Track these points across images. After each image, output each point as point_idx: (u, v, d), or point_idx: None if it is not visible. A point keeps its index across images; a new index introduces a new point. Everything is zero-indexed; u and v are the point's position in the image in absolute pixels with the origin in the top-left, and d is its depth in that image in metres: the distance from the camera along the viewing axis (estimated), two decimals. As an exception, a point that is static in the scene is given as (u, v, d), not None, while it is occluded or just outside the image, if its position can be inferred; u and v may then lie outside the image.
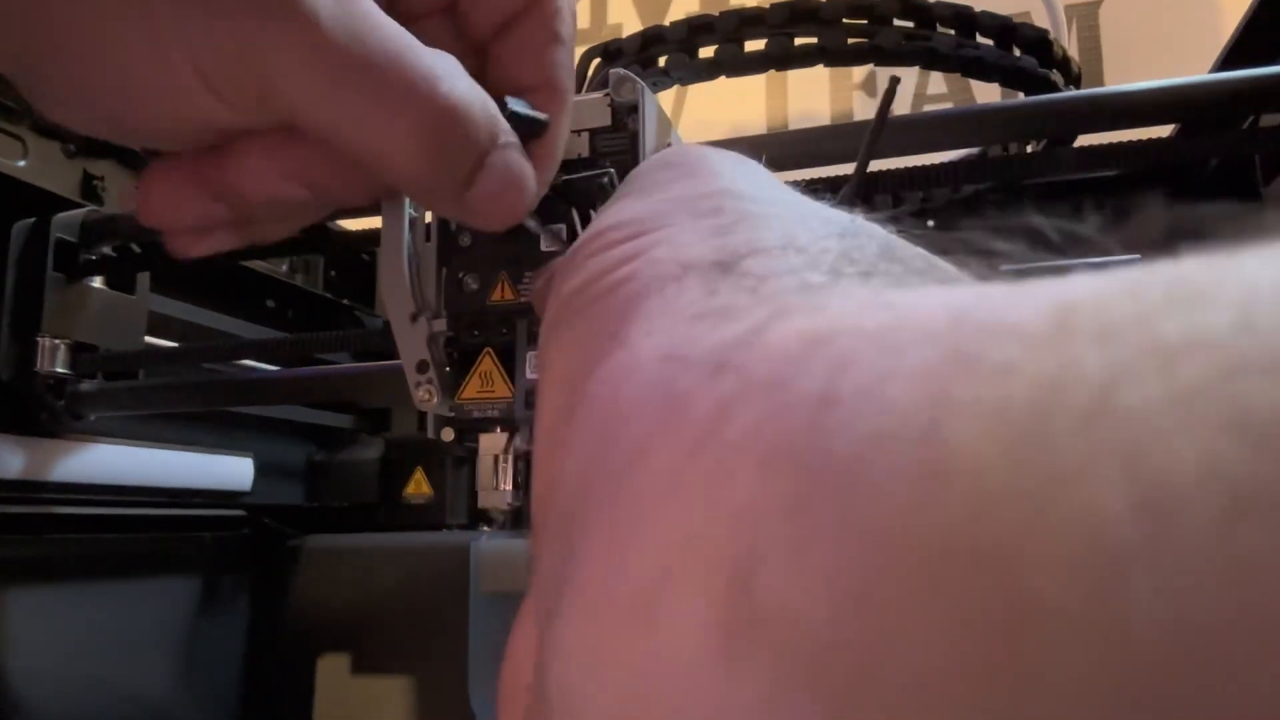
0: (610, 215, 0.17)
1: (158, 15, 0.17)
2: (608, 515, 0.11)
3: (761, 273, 0.13)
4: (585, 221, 0.31)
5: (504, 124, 0.22)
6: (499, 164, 0.21)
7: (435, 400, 0.34)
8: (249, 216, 0.22)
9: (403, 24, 0.21)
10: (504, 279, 0.33)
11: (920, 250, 0.15)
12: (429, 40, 0.22)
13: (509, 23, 0.24)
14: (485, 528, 0.66)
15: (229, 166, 0.21)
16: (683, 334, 0.12)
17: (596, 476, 0.11)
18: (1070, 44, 0.85)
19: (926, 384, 0.08)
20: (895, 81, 0.31)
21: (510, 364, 0.32)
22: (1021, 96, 0.43)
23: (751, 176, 0.17)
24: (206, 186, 0.21)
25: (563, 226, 0.32)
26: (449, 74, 0.20)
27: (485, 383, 0.33)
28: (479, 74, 0.23)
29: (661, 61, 0.43)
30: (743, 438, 0.09)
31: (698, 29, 0.41)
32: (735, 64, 0.41)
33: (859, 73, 0.94)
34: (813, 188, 0.36)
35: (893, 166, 0.37)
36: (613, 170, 0.32)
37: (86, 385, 0.49)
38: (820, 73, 0.89)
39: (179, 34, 0.18)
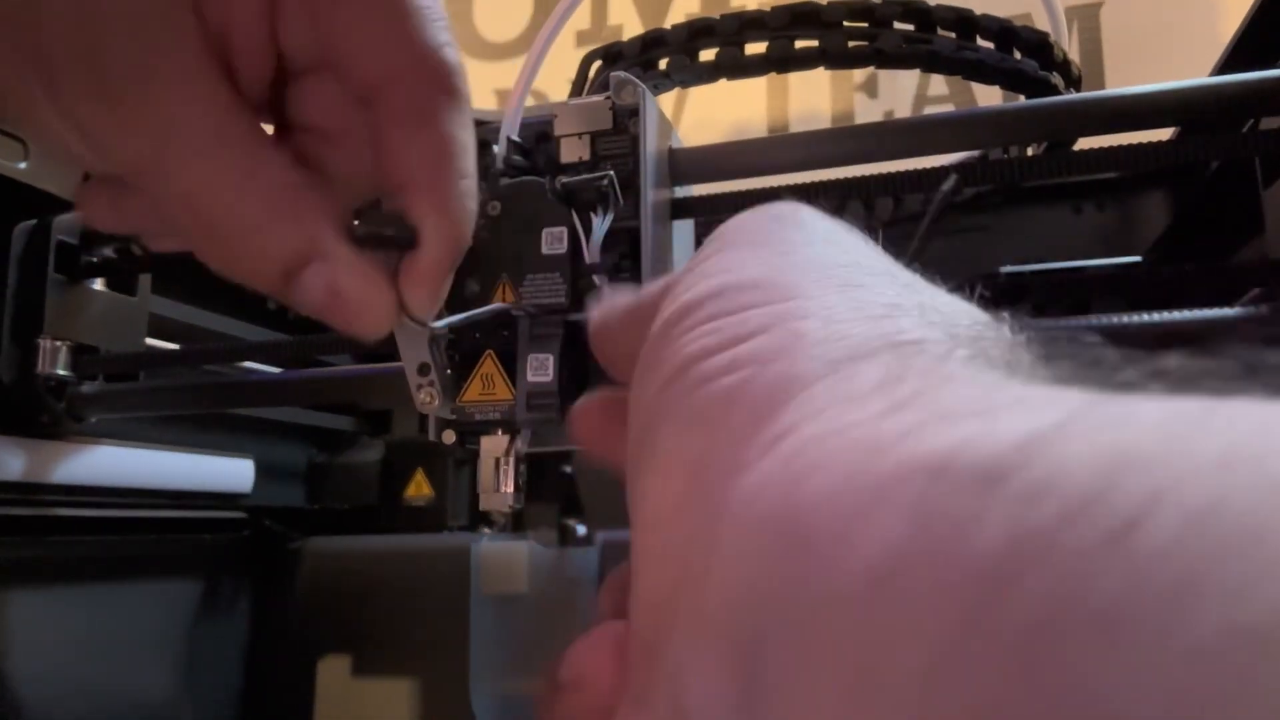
0: (725, 271, 0.14)
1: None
2: (835, 657, 0.08)
3: (950, 360, 0.11)
4: (586, 225, 0.31)
5: (326, 242, 0.21)
6: (314, 279, 0.20)
7: (437, 402, 0.34)
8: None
9: (286, 79, 0.22)
10: (505, 282, 0.33)
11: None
12: (313, 101, 0.22)
13: (384, 93, 0.22)
14: (486, 530, 0.66)
15: (122, 200, 0.23)
16: (881, 432, 0.10)
17: (798, 598, 0.09)
18: (1071, 46, 0.85)
19: None
20: (955, 182, 0.31)
21: (511, 366, 0.33)
22: (1022, 99, 0.43)
23: (865, 246, 0.16)
24: (112, 206, 0.23)
25: (563, 230, 0.32)
26: (241, 186, 0.20)
27: (486, 385, 0.33)
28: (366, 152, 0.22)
29: (662, 64, 0.43)
30: (1071, 594, 0.07)
31: (698, 32, 0.41)
32: (736, 67, 0.41)
33: (860, 74, 0.94)
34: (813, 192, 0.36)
35: (893, 169, 0.37)
36: (612, 173, 0.32)
37: (87, 387, 0.49)
38: (821, 75, 0.89)
39: (54, 112, 0.19)
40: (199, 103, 0.19)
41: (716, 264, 0.15)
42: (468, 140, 0.22)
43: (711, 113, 0.95)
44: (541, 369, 0.32)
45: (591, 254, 0.31)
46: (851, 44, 0.39)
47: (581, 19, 1.04)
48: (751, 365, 0.12)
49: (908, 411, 0.10)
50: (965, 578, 0.08)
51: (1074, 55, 0.47)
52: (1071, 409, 0.09)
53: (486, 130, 0.33)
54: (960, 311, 0.13)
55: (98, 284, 0.51)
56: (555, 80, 0.80)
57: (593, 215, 0.31)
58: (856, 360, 0.11)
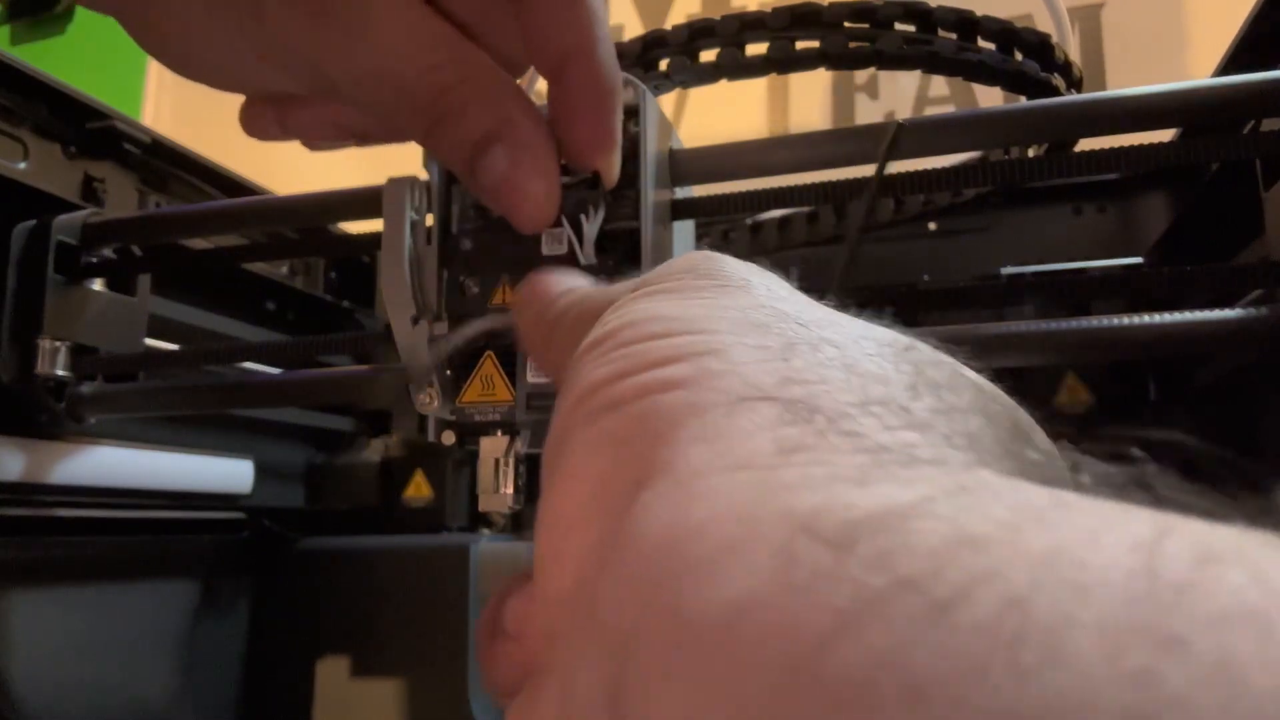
0: (641, 309, 0.15)
1: (240, 30, 0.24)
2: (684, 688, 0.09)
3: (847, 419, 0.11)
4: (577, 228, 0.31)
5: (516, 121, 0.24)
6: (498, 157, 0.24)
7: (436, 403, 0.34)
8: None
9: None
10: (505, 283, 0.33)
11: (1000, 401, 0.13)
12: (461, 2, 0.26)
13: None
14: (485, 530, 0.66)
15: (290, 114, 0.28)
16: (766, 476, 0.10)
17: (663, 623, 0.10)
18: (1073, 47, 0.85)
19: (1125, 656, 0.07)
20: (881, 172, 0.32)
21: (511, 367, 0.32)
22: (1023, 100, 0.43)
23: (792, 297, 0.16)
24: (278, 122, 0.28)
25: (564, 230, 0.32)
26: (458, 76, 0.24)
27: (486, 386, 0.33)
28: (512, 37, 0.26)
29: (663, 65, 0.43)
30: (892, 655, 0.08)
31: (699, 32, 0.41)
32: (736, 67, 0.41)
33: (861, 76, 0.94)
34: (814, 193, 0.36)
35: (894, 170, 0.37)
36: (596, 173, 0.31)
37: (87, 387, 0.49)
38: (822, 76, 0.89)
39: (256, 39, 0.24)
40: (400, 9, 0.23)
41: (631, 309, 0.16)
42: (603, 8, 0.26)
43: (712, 114, 0.95)
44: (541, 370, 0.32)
45: (586, 257, 0.31)
46: (852, 45, 0.39)
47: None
48: (656, 392, 0.13)
49: (791, 465, 0.10)
50: (801, 631, 0.08)
51: (1075, 56, 0.47)
52: (937, 489, 0.09)
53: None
54: (877, 371, 0.13)
55: (97, 284, 0.51)
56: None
57: (583, 218, 0.31)
58: (748, 400, 0.12)
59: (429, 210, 0.35)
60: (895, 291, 0.37)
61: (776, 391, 0.12)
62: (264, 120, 0.28)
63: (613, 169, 0.28)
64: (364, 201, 0.43)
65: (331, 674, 0.60)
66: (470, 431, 0.33)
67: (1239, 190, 0.43)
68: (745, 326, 0.14)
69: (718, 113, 0.94)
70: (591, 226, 0.30)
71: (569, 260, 0.32)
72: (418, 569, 0.60)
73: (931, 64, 0.40)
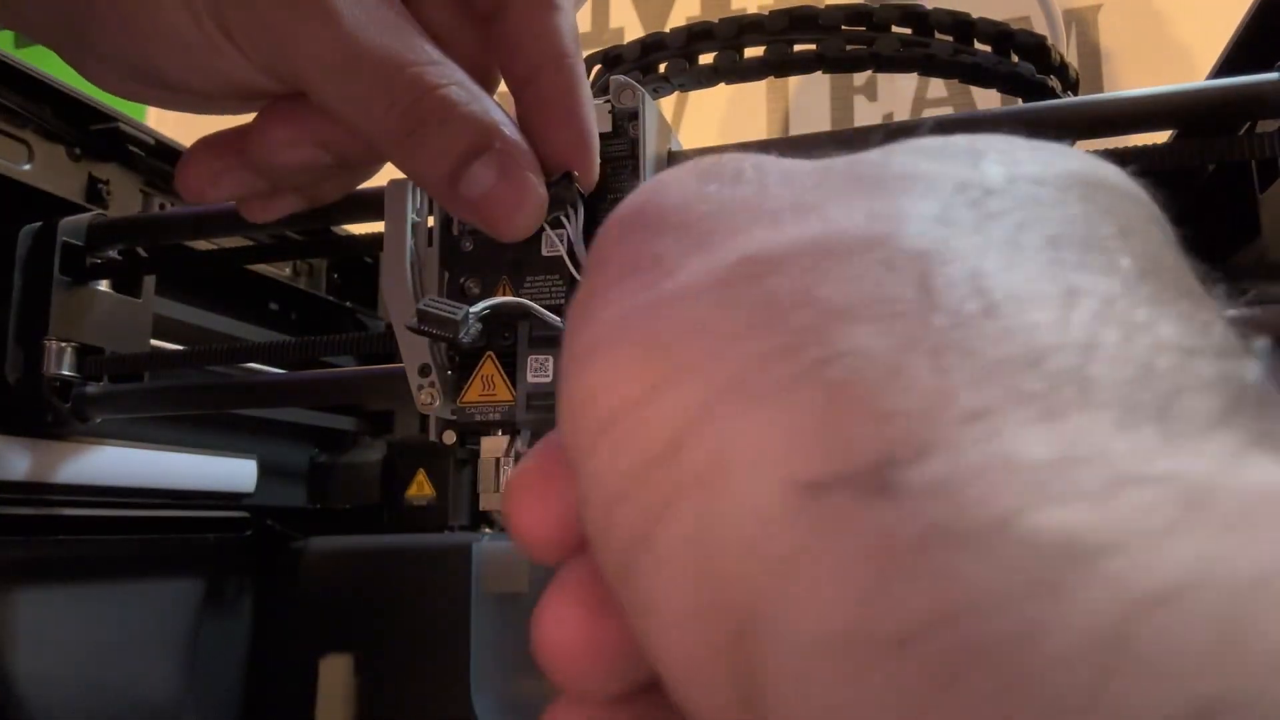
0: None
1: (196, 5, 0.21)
2: None
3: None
4: (555, 229, 0.31)
5: (502, 133, 0.23)
6: (484, 169, 0.23)
7: (437, 403, 0.34)
8: (287, 184, 0.26)
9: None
10: (505, 283, 0.33)
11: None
12: (434, 16, 0.24)
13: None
14: (487, 529, 0.67)
15: (257, 137, 0.24)
16: None
17: None
18: (1069, 49, 0.86)
19: None
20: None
21: (511, 367, 0.33)
22: (1020, 102, 0.43)
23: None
24: (240, 158, 0.25)
25: (564, 231, 0.32)
26: (441, 78, 0.22)
27: (487, 386, 0.33)
28: (481, 51, 0.25)
29: (661, 68, 0.43)
30: None
31: (697, 36, 0.42)
32: (734, 71, 0.41)
33: (860, 77, 0.94)
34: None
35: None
36: (573, 171, 0.32)
37: (92, 388, 0.49)
38: (821, 77, 0.90)
39: (216, 13, 0.21)
40: None
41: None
42: (575, 22, 0.25)
43: (711, 116, 0.95)
44: (541, 370, 0.32)
45: (581, 254, 0.31)
46: (849, 48, 0.40)
47: (582, 22, 1.05)
48: None
49: None
50: None
51: (1072, 58, 0.47)
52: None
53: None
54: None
55: (103, 285, 0.51)
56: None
57: (564, 220, 0.31)
58: None
59: (430, 211, 0.35)
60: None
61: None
62: (206, 175, 0.25)
63: (593, 171, 0.27)
64: (366, 203, 0.43)
65: (333, 672, 0.61)
66: (471, 431, 0.34)
67: (1235, 192, 0.43)
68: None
69: (717, 115, 0.95)
70: (575, 227, 0.31)
71: (568, 259, 0.32)
72: (420, 568, 0.61)
73: (928, 66, 0.40)
